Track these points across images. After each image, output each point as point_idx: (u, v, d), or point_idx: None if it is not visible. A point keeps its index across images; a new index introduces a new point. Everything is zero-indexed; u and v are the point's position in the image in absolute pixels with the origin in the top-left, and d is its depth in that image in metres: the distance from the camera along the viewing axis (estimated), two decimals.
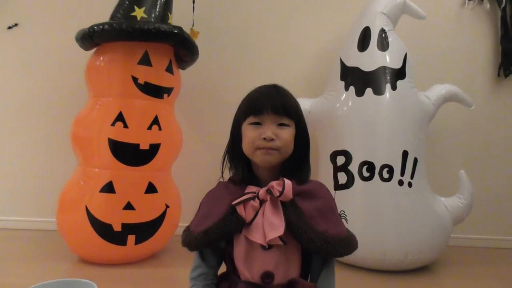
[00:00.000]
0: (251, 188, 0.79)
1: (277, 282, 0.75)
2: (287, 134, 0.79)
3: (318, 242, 0.73)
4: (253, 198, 0.75)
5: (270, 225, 0.73)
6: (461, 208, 1.75)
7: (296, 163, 0.81)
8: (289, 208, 0.75)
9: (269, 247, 0.75)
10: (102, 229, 1.55)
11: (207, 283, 0.82)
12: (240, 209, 0.75)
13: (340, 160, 1.71)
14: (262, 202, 0.76)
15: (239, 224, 0.75)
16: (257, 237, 0.74)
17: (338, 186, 1.71)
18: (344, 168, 1.70)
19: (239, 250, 0.77)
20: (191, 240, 0.79)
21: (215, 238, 0.77)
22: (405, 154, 1.66)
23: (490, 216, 2.13)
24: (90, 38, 1.57)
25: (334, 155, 1.74)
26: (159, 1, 1.68)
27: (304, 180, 0.80)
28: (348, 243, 0.77)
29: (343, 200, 1.64)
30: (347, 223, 1.58)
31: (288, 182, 0.74)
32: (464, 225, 1.84)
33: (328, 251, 0.74)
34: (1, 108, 2.10)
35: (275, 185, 0.75)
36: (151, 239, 1.64)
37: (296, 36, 2.18)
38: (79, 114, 1.66)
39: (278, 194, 0.73)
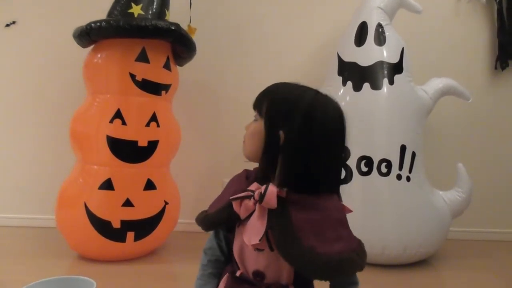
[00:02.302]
0: (254, 186, 0.74)
1: (268, 282, 0.73)
2: (250, 127, 0.77)
3: (297, 258, 0.66)
4: (248, 197, 0.71)
5: (253, 229, 0.70)
6: (459, 202, 1.76)
7: (286, 169, 0.72)
8: (276, 216, 0.69)
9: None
10: (101, 226, 1.55)
11: (212, 271, 0.82)
12: (235, 205, 0.73)
13: None
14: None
15: (231, 220, 0.74)
16: (246, 238, 0.71)
17: None
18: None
19: (236, 244, 0.76)
20: (198, 218, 0.80)
21: (211, 224, 0.77)
22: (403, 148, 1.66)
23: (488, 209, 2.14)
24: (87, 35, 1.57)
25: None
26: None
27: (305, 190, 0.71)
28: (341, 265, 0.66)
29: (341, 195, 1.64)
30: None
31: (271, 188, 0.68)
32: (463, 218, 1.85)
33: (306, 270, 0.67)
34: None
35: (261, 189, 0.70)
36: (150, 235, 1.65)
37: (293, 31, 2.17)
38: (77, 111, 1.66)
39: (257, 198, 0.69)
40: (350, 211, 0.77)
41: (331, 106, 0.76)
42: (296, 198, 0.70)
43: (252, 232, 0.70)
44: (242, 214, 0.72)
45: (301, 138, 0.70)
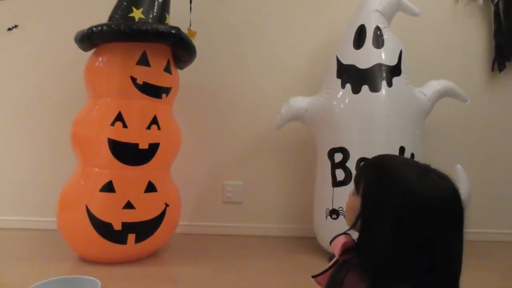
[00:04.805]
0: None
1: None
2: (349, 200, 0.78)
3: None
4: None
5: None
6: None
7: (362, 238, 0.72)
8: (337, 268, 0.75)
9: None
10: (102, 228, 1.56)
11: None
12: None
13: (338, 157, 1.73)
14: None
15: None
16: None
17: (336, 183, 1.72)
18: (342, 165, 1.71)
19: None
20: None
21: None
22: (402, 150, 1.68)
23: (487, 210, 2.15)
24: (89, 39, 1.58)
25: (331, 152, 1.75)
26: (156, 2, 1.70)
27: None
28: None
29: (341, 197, 1.66)
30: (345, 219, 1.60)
31: (339, 238, 0.76)
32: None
33: None
34: (1, 109, 2.11)
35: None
36: (151, 237, 1.66)
37: (293, 34, 2.19)
38: (78, 114, 1.67)
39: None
40: None
41: (434, 192, 0.68)
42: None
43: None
44: None
45: (393, 234, 0.66)
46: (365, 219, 0.70)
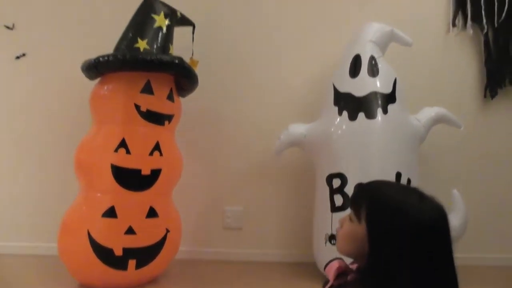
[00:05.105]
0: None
1: None
2: (345, 227, 0.77)
3: None
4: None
5: None
6: (456, 228, 1.78)
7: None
8: None
9: None
10: (103, 253, 1.57)
11: None
12: None
13: (336, 182, 1.76)
14: None
15: None
16: None
17: (334, 209, 1.74)
18: (340, 190, 1.74)
19: None
20: None
21: None
22: (398, 175, 1.71)
23: (483, 234, 2.16)
24: (95, 68, 1.64)
25: (330, 178, 1.78)
26: (160, 33, 1.77)
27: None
28: None
29: None
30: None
31: (333, 263, 0.79)
32: (461, 244, 1.86)
33: None
34: (6, 133, 2.15)
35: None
36: (152, 263, 1.66)
37: (291, 63, 2.26)
38: (83, 140, 1.70)
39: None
40: None
41: (436, 211, 0.74)
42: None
43: None
44: None
45: (403, 256, 0.69)
46: (374, 245, 0.72)
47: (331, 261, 0.81)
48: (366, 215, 0.73)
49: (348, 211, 0.76)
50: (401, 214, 0.70)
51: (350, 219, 0.77)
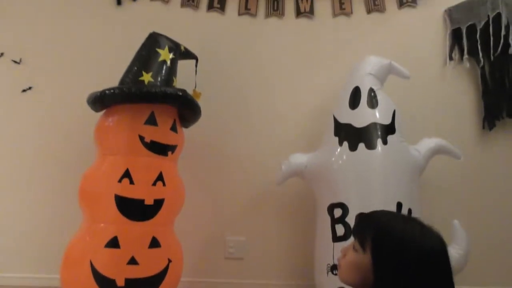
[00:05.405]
0: None
1: None
2: (348, 256, 0.78)
3: None
4: None
5: None
6: (457, 259, 1.77)
7: None
8: None
9: None
10: (106, 284, 1.56)
11: None
12: None
13: (337, 212, 1.76)
14: None
15: None
16: None
17: (336, 238, 1.74)
18: (342, 220, 1.74)
19: None
20: None
21: None
22: (399, 206, 1.71)
23: (483, 267, 2.14)
24: (101, 101, 1.68)
25: (331, 208, 1.79)
26: (164, 66, 1.82)
27: None
28: None
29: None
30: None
31: None
32: (461, 276, 1.85)
33: None
34: (9, 164, 2.18)
35: None
36: None
37: (293, 95, 2.31)
38: (87, 170, 1.73)
39: None
40: None
41: (437, 240, 0.78)
42: None
43: None
44: None
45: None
46: (380, 274, 0.73)
47: None
48: (372, 245, 0.74)
49: (350, 241, 0.76)
50: (406, 245, 0.73)
51: (354, 249, 0.78)
